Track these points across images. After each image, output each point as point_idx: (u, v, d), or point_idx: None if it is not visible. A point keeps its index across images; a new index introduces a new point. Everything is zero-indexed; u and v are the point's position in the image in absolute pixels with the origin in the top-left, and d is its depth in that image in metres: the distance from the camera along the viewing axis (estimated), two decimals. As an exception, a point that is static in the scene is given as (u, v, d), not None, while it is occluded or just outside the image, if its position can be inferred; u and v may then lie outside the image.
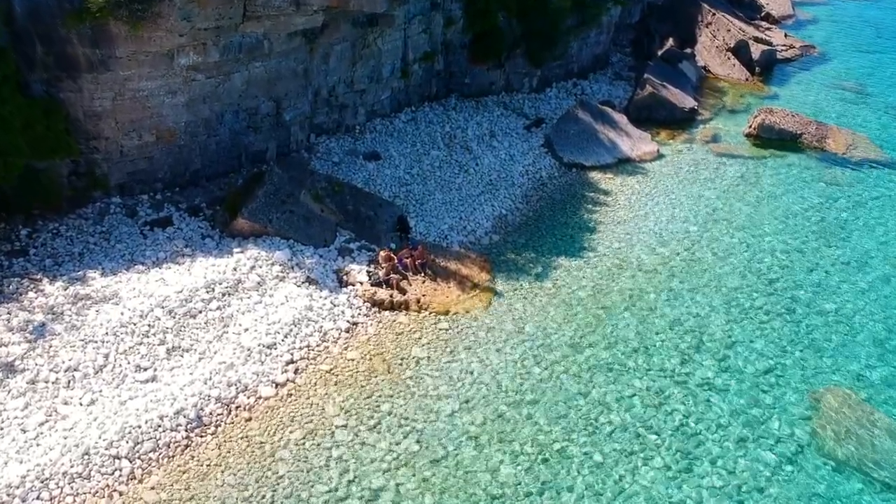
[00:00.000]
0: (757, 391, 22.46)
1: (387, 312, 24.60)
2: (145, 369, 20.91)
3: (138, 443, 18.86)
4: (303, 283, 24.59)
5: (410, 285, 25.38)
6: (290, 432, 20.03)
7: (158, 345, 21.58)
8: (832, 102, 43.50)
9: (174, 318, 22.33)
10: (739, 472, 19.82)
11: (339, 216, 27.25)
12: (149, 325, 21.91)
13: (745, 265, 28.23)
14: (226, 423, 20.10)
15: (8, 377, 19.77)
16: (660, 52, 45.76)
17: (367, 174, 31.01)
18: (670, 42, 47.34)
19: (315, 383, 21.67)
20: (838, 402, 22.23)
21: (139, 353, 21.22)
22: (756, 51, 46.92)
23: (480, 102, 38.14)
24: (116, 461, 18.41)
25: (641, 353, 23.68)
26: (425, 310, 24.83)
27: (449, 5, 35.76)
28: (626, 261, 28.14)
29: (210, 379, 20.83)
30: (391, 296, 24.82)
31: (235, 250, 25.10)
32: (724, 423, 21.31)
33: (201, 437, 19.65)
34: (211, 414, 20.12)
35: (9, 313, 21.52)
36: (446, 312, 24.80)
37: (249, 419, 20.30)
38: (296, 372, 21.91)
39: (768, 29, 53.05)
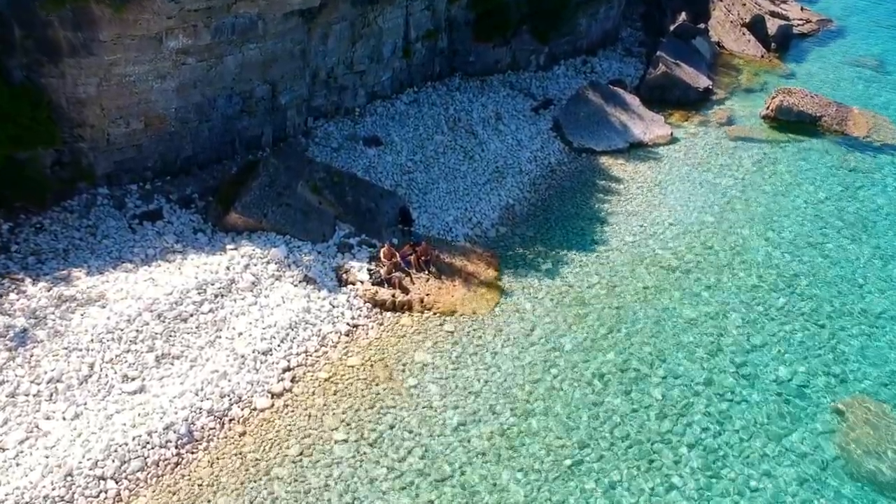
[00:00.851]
0: (779, 401, 21.27)
1: (389, 313, 23.35)
2: (133, 379, 19.70)
3: (125, 462, 17.70)
4: (300, 282, 23.30)
5: (413, 284, 24.10)
6: (287, 448, 18.88)
7: (147, 352, 20.35)
8: (851, 81, 41.78)
9: (164, 322, 21.07)
10: (763, 490, 18.71)
11: (338, 209, 25.86)
12: (137, 331, 20.66)
13: (764, 261, 26.90)
14: (218, 438, 18.95)
15: (-14, 390, 18.62)
16: (672, 28, 43.85)
17: (367, 161, 29.54)
18: (682, 16, 45.34)
19: (313, 393, 20.49)
20: (864, 413, 21.07)
21: (126, 361, 20.00)
22: (772, 26, 45.11)
23: (485, 82, 36.47)
24: (102, 482, 17.29)
25: (657, 358, 22.47)
26: (429, 310, 23.58)
27: (453, -20, 34.06)
28: (640, 256, 26.81)
29: (202, 390, 19.64)
30: (393, 296, 23.55)
31: (229, 247, 23.77)
32: (744, 436, 20.16)
33: (193, 453, 18.51)
34: (203, 428, 18.96)
35: (-12, 318, 20.32)
36: (451, 313, 23.55)
37: (243, 433, 19.15)
38: (293, 380, 20.72)
39: (784, 2, 51.01)
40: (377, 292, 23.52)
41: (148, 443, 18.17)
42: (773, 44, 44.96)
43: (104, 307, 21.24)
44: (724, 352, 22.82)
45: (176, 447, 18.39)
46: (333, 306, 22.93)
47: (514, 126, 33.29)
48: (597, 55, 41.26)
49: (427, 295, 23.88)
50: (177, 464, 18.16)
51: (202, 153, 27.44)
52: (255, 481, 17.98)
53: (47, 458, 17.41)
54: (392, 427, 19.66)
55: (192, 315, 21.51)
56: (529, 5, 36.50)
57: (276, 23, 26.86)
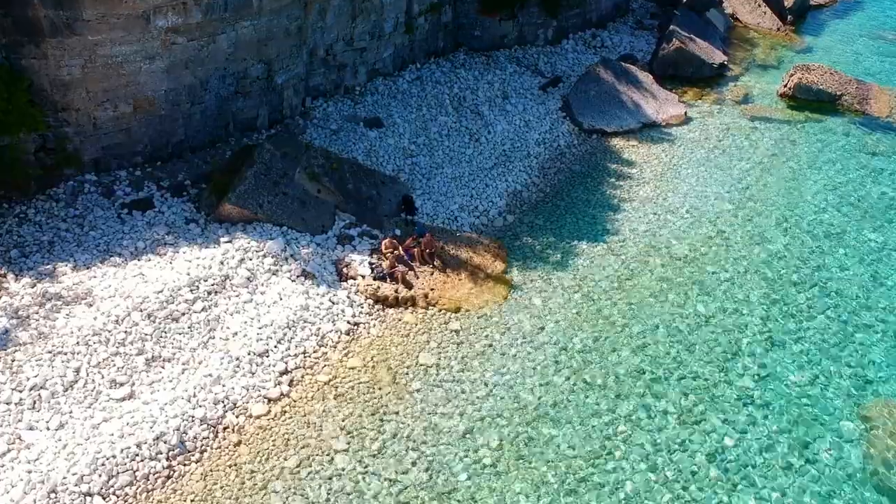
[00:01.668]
0: (801, 406, 20.20)
1: (391, 310, 22.20)
2: (121, 384, 18.64)
3: (113, 476, 16.66)
4: (298, 277, 22.13)
5: (417, 278, 22.95)
6: (285, 459, 17.85)
7: (136, 355, 19.26)
8: (872, 56, 40.18)
9: (154, 322, 19.95)
10: (786, 505, 17.79)
11: (337, 197, 24.59)
12: (125, 332, 19.54)
13: (784, 252, 25.68)
14: (212, 449, 17.90)
15: (-35, 399, 17.57)
16: (685, -1, 42.10)
17: (368, 144, 28.19)
18: (696, -14, 43.54)
19: (312, 397, 19.43)
20: (891, 417, 20.03)
21: (114, 365, 18.91)
22: (789, -3, 43.39)
23: (491, 58, 34.97)
24: (88, 499, 16.28)
25: (673, 358, 21.38)
26: (434, 306, 22.45)
27: (458, -50, 32.41)
28: (654, 246, 25.61)
29: (194, 396, 18.57)
30: (396, 291, 22.40)
31: (223, 240, 22.56)
32: (766, 445, 19.10)
33: (185, 465, 17.47)
34: (195, 438, 17.91)
35: (-33, 319, 19.23)
36: (457, 310, 22.43)
37: (239, 443, 18.10)
38: (290, 384, 19.64)
39: (800, -29, 49.05)
40: (379, 287, 22.37)
41: (137, 455, 17.13)
42: (789, 16, 43.27)
43: (91, 305, 20.14)
44: (742, 352, 21.71)
45: (167, 459, 17.36)
46: (333, 303, 21.80)
47: (521, 106, 31.84)
48: (607, 28, 39.68)
49: (431, 290, 22.74)
50: (168, 477, 17.12)
51: (195, 137, 26.15)
52: (250, 496, 16.97)
53: (30, 472, 16.37)
54: (395, 435, 18.63)
55: (183, 314, 20.38)
56: (538, -25, 34.94)
57: (272, -2, 25.42)
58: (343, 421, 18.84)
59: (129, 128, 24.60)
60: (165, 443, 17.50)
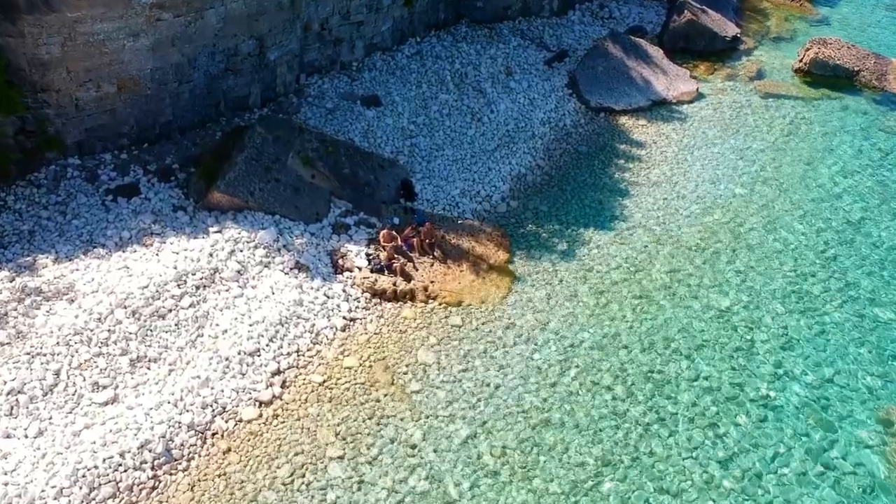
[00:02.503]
0: (818, 408, 19.29)
1: (389, 304, 21.18)
2: (104, 387, 17.69)
3: (94, 488, 15.80)
4: (291, 269, 21.07)
5: (417, 270, 21.89)
6: (277, 468, 16.97)
7: (120, 355, 18.28)
8: (891, 28, 38.56)
9: (139, 320, 18.94)
10: (802, 517, 16.95)
11: (333, 183, 23.41)
12: (109, 331, 18.54)
13: (800, 240, 24.58)
14: (200, 457, 17.00)
15: (-62, 405, 16.63)
16: (696, -33, 40.34)
17: (365, 124, 26.90)
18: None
19: (306, 400, 18.49)
20: (913, 421, 19.14)
21: (97, 366, 17.95)
22: (804, -36, 41.54)
23: (494, 30, 33.45)
24: (68, 513, 15.45)
25: (685, 356, 20.42)
26: (434, 300, 21.43)
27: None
28: (665, 234, 24.49)
29: (181, 400, 17.63)
30: (394, 284, 21.36)
31: (212, 229, 21.45)
32: (781, 451, 18.22)
33: (171, 474, 16.59)
34: (182, 445, 17.00)
35: (-59, 318, 18.22)
36: (458, 303, 21.41)
37: (228, 450, 17.20)
38: (283, 385, 18.69)
39: (816, -64, 47.13)
40: (376, 280, 21.32)
41: (120, 465, 16.24)
42: (804, -15, 41.50)
43: (73, 302, 19.11)
44: (756, 350, 20.73)
45: (152, 468, 16.48)
46: (328, 297, 20.77)
47: (525, 83, 30.45)
48: (615, -2, 38.01)
49: (432, 282, 21.70)
50: (153, 488, 16.25)
51: (183, 117, 24.88)
52: (240, 508, 16.16)
53: (6, 485, 15.50)
54: (393, 441, 17.73)
55: (170, 311, 19.36)
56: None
57: (263, -29, 23.97)
58: (338, 426, 17.93)
59: (113, 109, 23.35)
60: (150, 451, 16.61)
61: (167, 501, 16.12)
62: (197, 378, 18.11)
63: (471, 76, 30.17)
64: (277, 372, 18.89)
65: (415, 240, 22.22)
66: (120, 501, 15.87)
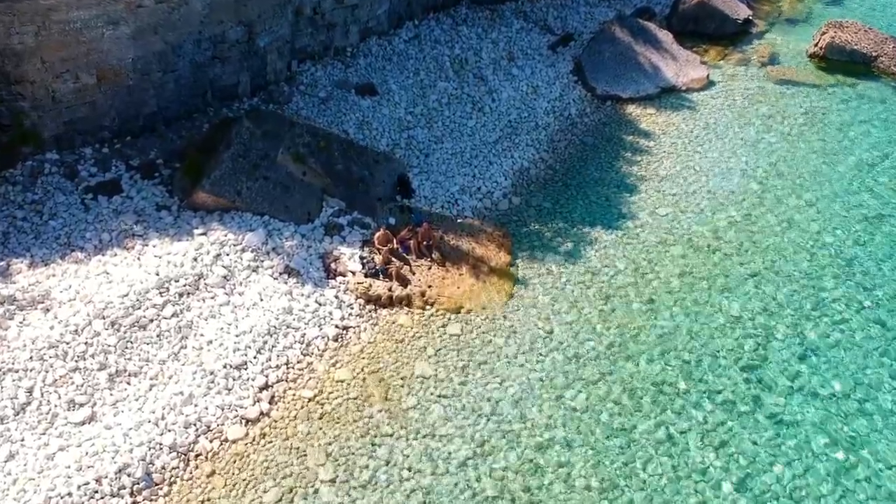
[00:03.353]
0: (836, 424, 18.27)
1: (384, 311, 20.08)
2: (81, 405, 16.65)
3: (68, 518, 14.85)
4: (280, 274, 19.93)
5: (414, 274, 20.76)
6: (264, 492, 15.97)
7: (98, 370, 17.20)
8: (908, 10, 37.12)
9: (118, 331, 17.83)
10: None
11: (325, 180, 22.19)
12: (86, 344, 17.45)
13: (817, 240, 23.41)
14: (182, 480, 15.99)
15: None
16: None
17: (360, 115, 25.60)
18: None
19: (295, 417, 17.44)
20: (937, 438, 18.12)
21: (73, 382, 16.88)
22: (819, -58, 39.89)
23: (496, 12, 32.03)
24: (40, 546, 14.49)
25: (695, 367, 19.35)
26: (432, 306, 20.32)
27: None
28: (674, 233, 23.33)
29: (162, 419, 16.59)
30: (390, 289, 20.23)
31: (197, 231, 20.28)
32: (798, 472, 17.22)
33: (151, 500, 15.60)
34: (163, 469, 15.99)
35: None
36: (457, 309, 20.31)
37: (212, 473, 16.19)
38: (271, 401, 17.64)
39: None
40: (371, 285, 20.20)
41: (97, 492, 15.24)
42: (819, -37, 39.86)
43: (48, 311, 17.99)
44: (771, 359, 19.66)
45: (131, 495, 15.47)
46: (320, 304, 19.66)
47: (528, 69, 29.09)
48: (622, -22, 36.43)
49: (429, 287, 20.58)
50: (132, 516, 15.31)
51: (168, 108, 23.62)
52: (224, 538, 15.19)
53: (-26, 516, 14.55)
54: (388, 462, 16.71)
55: (152, 321, 18.25)
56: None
57: (250, -47, 22.56)
58: (329, 445, 16.92)
59: (93, 100, 22.08)
60: (129, 476, 15.61)
61: (147, 530, 15.16)
62: (180, 394, 17.06)
63: (471, 62, 28.81)
64: (265, 386, 17.84)
65: (412, 241, 21.07)
66: (96, 532, 14.90)
